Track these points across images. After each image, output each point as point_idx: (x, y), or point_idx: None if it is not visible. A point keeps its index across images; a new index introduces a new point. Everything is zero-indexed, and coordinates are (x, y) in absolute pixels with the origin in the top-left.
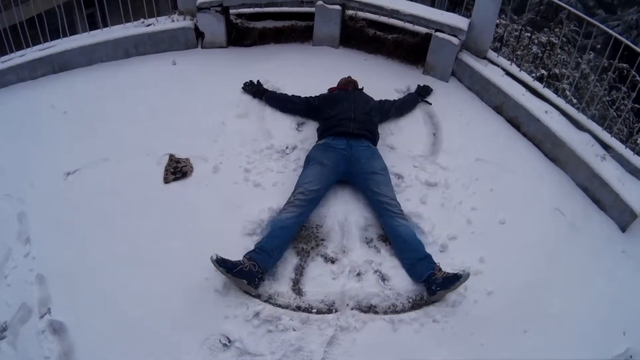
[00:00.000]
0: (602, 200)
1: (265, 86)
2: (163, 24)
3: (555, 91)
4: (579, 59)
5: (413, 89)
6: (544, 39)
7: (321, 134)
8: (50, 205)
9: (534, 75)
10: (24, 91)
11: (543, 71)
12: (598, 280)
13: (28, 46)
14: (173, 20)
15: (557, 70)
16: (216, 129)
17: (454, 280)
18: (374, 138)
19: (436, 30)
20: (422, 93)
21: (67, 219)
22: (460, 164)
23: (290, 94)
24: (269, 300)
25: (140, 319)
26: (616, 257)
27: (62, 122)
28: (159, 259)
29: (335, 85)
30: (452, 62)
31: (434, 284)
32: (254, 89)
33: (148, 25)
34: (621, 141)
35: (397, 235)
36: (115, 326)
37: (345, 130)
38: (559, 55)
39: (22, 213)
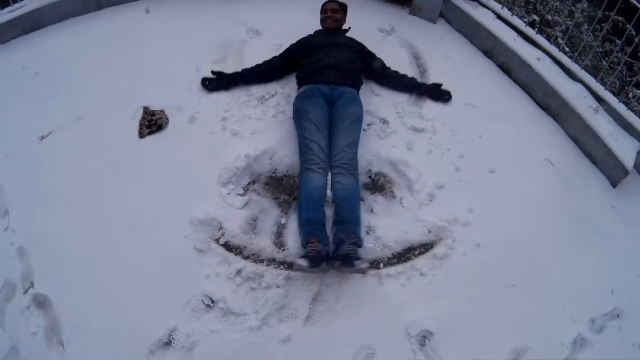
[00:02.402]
0: (594, 154)
1: (247, 31)
2: None
3: (548, 38)
4: (573, 7)
5: (398, 29)
6: None
7: (300, 81)
8: (26, 173)
9: (525, 20)
10: None
11: (535, 17)
12: (587, 236)
13: None
14: None
15: (549, 17)
16: (191, 76)
17: (346, 262)
18: (356, 85)
19: None
20: (430, 93)
21: (44, 185)
22: (448, 108)
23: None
24: (250, 256)
25: (122, 284)
26: (606, 213)
27: (34, 84)
28: (137, 219)
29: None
30: (441, 2)
31: (339, 252)
32: (220, 81)
33: None
34: (613, 94)
35: (333, 193)
36: (97, 294)
37: (325, 80)
38: (552, 2)
39: None
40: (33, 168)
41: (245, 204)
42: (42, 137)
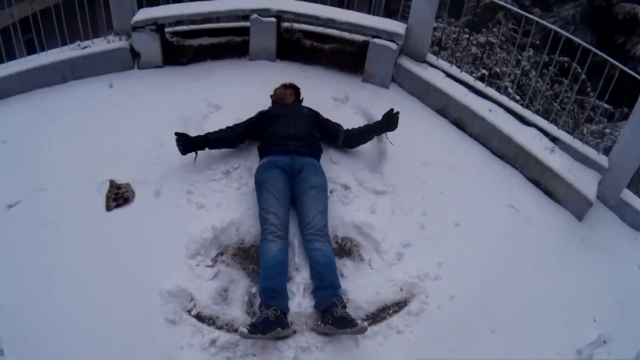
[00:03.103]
0: (555, 192)
1: (207, 105)
2: (99, 45)
3: (498, 89)
4: (519, 56)
5: (352, 96)
6: (482, 39)
7: (261, 152)
8: None
9: (475, 75)
10: None
11: (484, 71)
12: (561, 271)
13: None
14: (109, 42)
15: (497, 69)
16: (155, 150)
17: (346, 324)
18: (316, 154)
19: (373, 37)
20: (385, 127)
21: (12, 255)
22: (407, 169)
23: (228, 121)
24: (224, 326)
25: (95, 357)
26: (577, 247)
27: (1, 152)
28: (105, 290)
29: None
30: (392, 67)
31: (329, 315)
32: (192, 144)
33: (84, 47)
34: (568, 133)
35: (310, 258)
36: None
37: (285, 150)
38: (499, 54)
39: None
40: (1, 236)
41: (215, 275)
42: (10, 206)
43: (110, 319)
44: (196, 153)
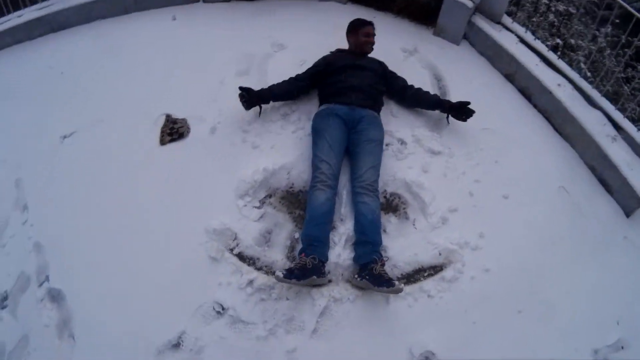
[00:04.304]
0: (609, 183)
1: (271, 44)
2: None
3: (570, 63)
4: (597, 31)
5: (421, 49)
6: (561, 7)
7: (322, 99)
8: (47, 171)
9: (549, 43)
10: (21, 52)
11: (559, 40)
12: (596, 266)
13: (25, 6)
14: None
15: (572, 41)
16: (215, 87)
17: (382, 283)
18: (377, 107)
19: None
20: (454, 111)
21: (64, 184)
22: (466, 133)
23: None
24: (263, 268)
25: (135, 285)
26: (617, 244)
27: (59, 83)
28: (153, 224)
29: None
30: (465, 25)
31: (366, 271)
32: (255, 98)
33: None
34: (633, 121)
35: (356, 211)
36: (110, 292)
37: (346, 101)
38: (576, 27)
39: (19, 179)
40: (54, 167)
41: (261, 217)
42: (65, 137)
43: (156, 252)
44: (260, 107)
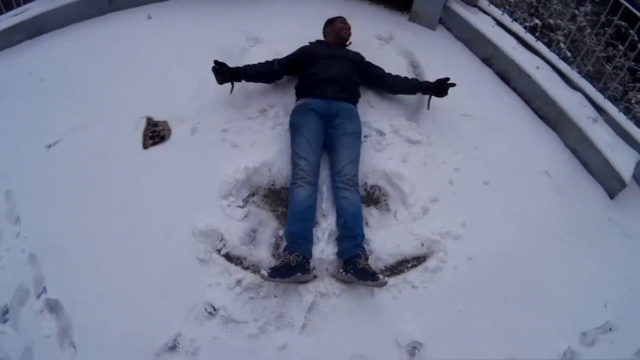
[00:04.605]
0: (591, 165)
1: (247, 39)
2: None
3: (549, 43)
4: (576, 10)
5: (396, 36)
6: None
7: (298, 93)
8: (35, 180)
9: (527, 25)
10: (1, 60)
11: (537, 21)
12: (582, 249)
13: (1, 12)
14: None
15: (551, 21)
16: (194, 85)
17: (367, 277)
18: (354, 99)
19: None
20: (433, 91)
21: (53, 194)
22: (445, 120)
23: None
24: (250, 267)
25: (129, 290)
26: (602, 225)
27: (40, 90)
28: (141, 228)
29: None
30: (440, 10)
31: (351, 265)
32: (228, 74)
33: None
34: (615, 100)
35: (338, 206)
36: (105, 299)
37: (322, 94)
38: (555, 6)
39: (9, 191)
40: (42, 176)
41: (245, 216)
42: (50, 146)
43: (145, 255)
44: (232, 84)
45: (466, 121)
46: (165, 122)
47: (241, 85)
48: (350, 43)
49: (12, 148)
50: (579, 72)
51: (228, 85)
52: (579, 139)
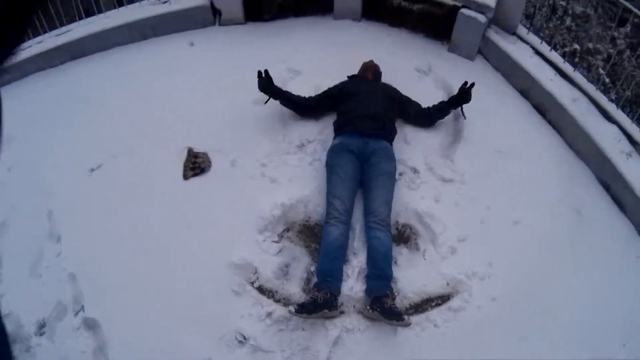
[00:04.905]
0: (623, 201)
1: (287, 70)
2: (179, 2)
3: (588, 68)
4: (616, 32)
5: (435, 68)
6: (579, 9)
7: (336, 129)
8: (77, 203)
9: (566, 49)
10: (43, 80)
11: (576, 46)
12: (608, 286)
13: (45, 31)
14: None
15: (590, 45)
16: (234, 117)
17: (393, 317)
18: (390, 136)
19: (462, 6)
20: (461, 100)
21: (94, 216)
22: (479, 156)
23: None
24: (281, 300)
25: (165, 314)
26: (630, 263)
27: (82, 112)
28: (178, 255)
29: (355, 70)
30: (479, 40)
31: (378, 304)
32: (268, 88)
33: (164, 2)
34: None
35: (369, 246)
36: (140, 320)
37: (359, 130)
38: (594, 29)
39: (51, 211)
40: (84, 199)
41: (279, 251)
42: (92, 170)
43: (181, 283)
44: (269, 97)
45: (500, 158)
46: (205, 154)
47: (281, 117)
48: (380, 73)
49: (56, 168)
50: (617, 99)
51: (267, 117)
52: (612, 175)
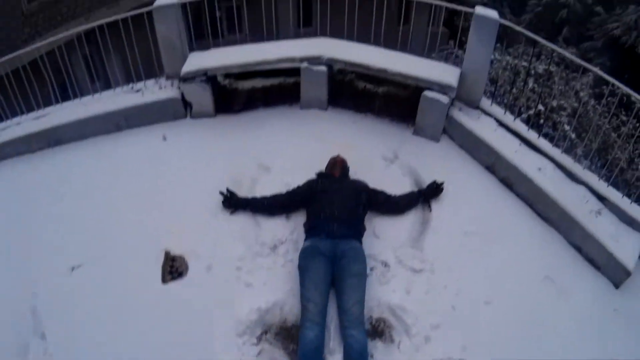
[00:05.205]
0: (596, 259)
1: (257, 166)
2: (151, 92)
3: (554, 127)
4: (578, 84)
5: (401, 154)
6: (541, 68)
7: (306, 231)
8: (60, 300)
9: (531, 112)
10: (23, 166)
11: (541, 107)
12: (588, 343)
13: (22, 112)
14: (161, 87)
15: (554, 103)
16: (208, 220)
17: None
18: (359, 235)
19: (425, 89)
20: (429, 195)
21: (77, 314)
22: (448, 242)
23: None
24: None
25: None
26: (608, 317)
27: (61, 205)
28: (159, 358)
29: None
30: (443, 121)
31: None
32: (233, 203)
33: (137, 90)
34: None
35: (345, 344)
36: None
37: (328, 233)
38: (556, 86)
39: (34, 307)
40: (66, 297)
41: (259, 353)
42: (73, 268)
43: None
44: (235, 209)
45: (468, 239)
46: (182, 258)
47: (252, 215)
48: (348, 169)
49: (38, 265)
50: (585, 154)
51: (239, 219)
52: (582, 236)
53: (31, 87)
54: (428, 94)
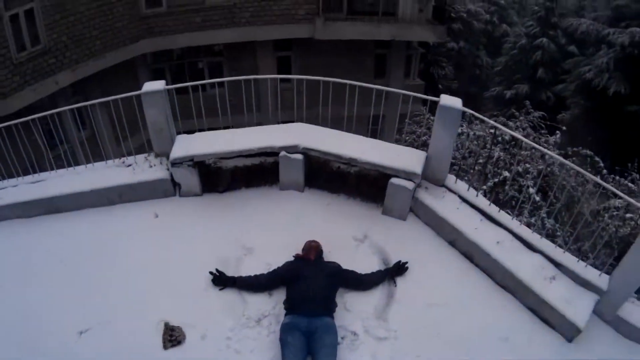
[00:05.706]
0: (550, 320)
1: (241, 247)
2: (142, 170)
3: (519, 190)
4: (545, 143)
5: (370, 233)
6: (507, 135)
7: (286, 309)
8: None
9: (497, 179)
10: (21, 229)
11: (506, 173)
12: None
13: (19, 175)
14: (151, 166)
15: (520, 168)
16: (200, 293)
17: None
18: (331, 312)
19: (392, 176)
20: (395, 273)
21: None
22: (411, 313)
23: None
24: None
25: None
26: None
27: (60, 273)
28: None
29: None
30: (409, 203)
31: None
32: (223, 282)
33: (128, 165)
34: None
35: None
36: None
37: (303, 312)
38: (523, 152)
39: None
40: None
41: None
42: (81, 333)
43: None
44: (224, 287)
45: (430, 310)
46: (179, 328)
47: (239, 295)
48: (322, 252)
49: (46, 329)
50: (549, 213)
51: (227, 294)
52: (537, 302)
53: (19, 136)
54: (395, 181)
